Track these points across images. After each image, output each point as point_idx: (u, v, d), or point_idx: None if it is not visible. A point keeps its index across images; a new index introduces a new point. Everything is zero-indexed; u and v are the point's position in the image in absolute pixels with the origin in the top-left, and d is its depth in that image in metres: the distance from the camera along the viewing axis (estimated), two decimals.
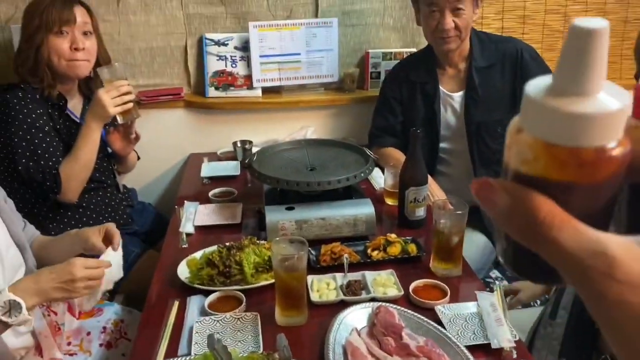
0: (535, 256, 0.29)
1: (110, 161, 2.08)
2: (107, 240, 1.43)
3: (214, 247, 1.48)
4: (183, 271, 1.43)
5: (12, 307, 1.16)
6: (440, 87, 2.08)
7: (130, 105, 1.83)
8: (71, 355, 1.46)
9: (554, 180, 0.28)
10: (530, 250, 0.29)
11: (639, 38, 1.27)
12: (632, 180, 0.31)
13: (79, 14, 1.86)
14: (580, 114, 0.27)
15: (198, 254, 1.49)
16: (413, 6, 2.08)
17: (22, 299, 1.17)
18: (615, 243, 0.26)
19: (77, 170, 1.80)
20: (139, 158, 2.28)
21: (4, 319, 1.15)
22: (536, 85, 0.30)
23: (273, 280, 1.32)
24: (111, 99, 1.76)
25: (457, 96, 2.07)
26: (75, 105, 1.97)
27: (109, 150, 2.07)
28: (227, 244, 1.46)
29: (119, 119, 1.86)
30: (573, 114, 0.27)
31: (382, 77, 2.46)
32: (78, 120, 1.94)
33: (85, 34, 1.88)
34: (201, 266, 1.42)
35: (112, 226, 1.45)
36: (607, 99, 0.28)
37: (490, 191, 0.30)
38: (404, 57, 2.43)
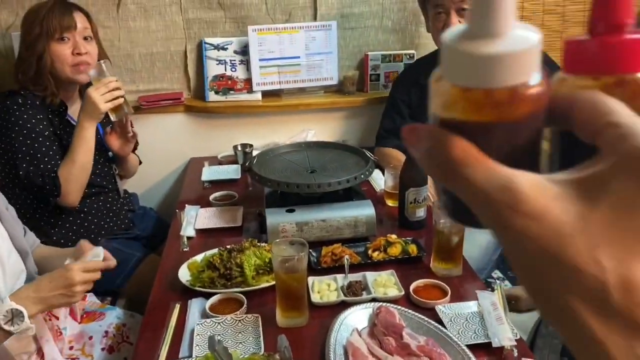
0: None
1: (111, 166, 2.09)
2: None
3: (215, 250, 1.48)
4: (184, 274, 1.44)
5: (15, 316, 1.17)
6: None
7: (121, 100, 1.82)
8: (73, 359, 1.47)
9: (472, 123, 0.29)
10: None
11: None
12: (561, 128, 0.31)
13: (79, 19, 1.88)
14: (490, 55, 0.28)
15: (199, 257, 1.49)
16: (422, 13, 2.13)
17: (24, 307, 1.18)
18: (524, 178, 0.27)
19: (75, 172, 1.80)
20: (140, 162, 2.28)
21: (6, 327, 1.17)
22: (452, 33, 0.30)
23: (274, 282, 1.32)
24: (101, 96, 1.76)
25: None
26: (75, 110, 1.97)
27: (110, 154, 2.07)
28: (228, 246, 1.46)
29: (112, 117, 1.86)
30: (483, 56, 0.28)
31: (382, 79, 2.47)
32: None
33: (85, 39, 1.89)
34: (202, 269, 1.42)
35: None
36: (517, 38, 0.28)
37: (416, 134, 0.31)
38: (402, 59, 2.45)
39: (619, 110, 0.28)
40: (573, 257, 0.25)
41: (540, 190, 0.26)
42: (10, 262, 1.39)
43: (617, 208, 0.25)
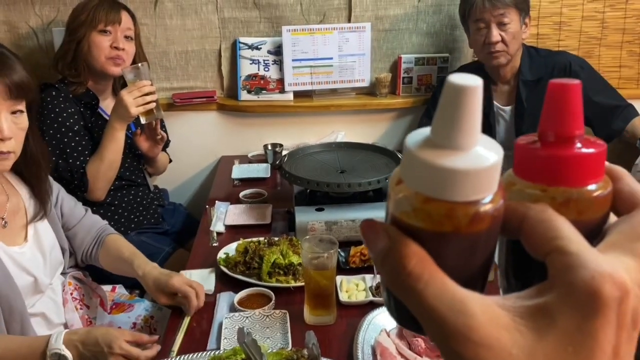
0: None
1: (140, 161, 2.12)
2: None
3: (262, 237, 1.53)
4: (228, 250, 1.51)
5: (60, 358, 1.19)
6: (494, 101, 2.17)
7: (152, 105, 1.84)
8: None
9: (429, 231, 0.29)
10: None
11: None
12: (510, 236, 0.32)
13: (125, 18, 1.94)
14: (455, 169, 0.28)
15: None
16: (464, 28, 2.18)
17: (70, 353, 1.19)
18: (477, 303, 0.27)
19: (102, 169, 1.84)
20: (170, 161, 2.31)
21: None
22: (416, 136, 0.30)
23: (287, 285, 1.36)
24: (133, 99, 1.78)
25: (508, 110, 2.16)
26: (108, 104, 2.01)
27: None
28: (266, 238, 1.50)
29: (142, 119, 1.89)
30: (448, 169, 0.28)
31: (415, 82, 2.45)
32: None
33: (126, 37, 1.93)
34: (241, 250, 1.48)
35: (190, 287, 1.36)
36: (481, 153, 0.29)
37: (374, 231, 0.31)
38: (436, 62, 2.43)
39: (568, 235, 0.28)
40: None
41: (492, 318, 0.26)
42: (53, 256, 1.42)
43: (562, 343, 0.26)
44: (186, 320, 1.27)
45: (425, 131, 0.30)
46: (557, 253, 0.28)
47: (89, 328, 1.27)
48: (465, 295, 0.27)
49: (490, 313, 0.27)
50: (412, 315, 0.29)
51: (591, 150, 0.32)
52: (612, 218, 0.33)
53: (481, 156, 0.29)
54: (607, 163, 0.33)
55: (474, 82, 0.28)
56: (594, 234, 0.32)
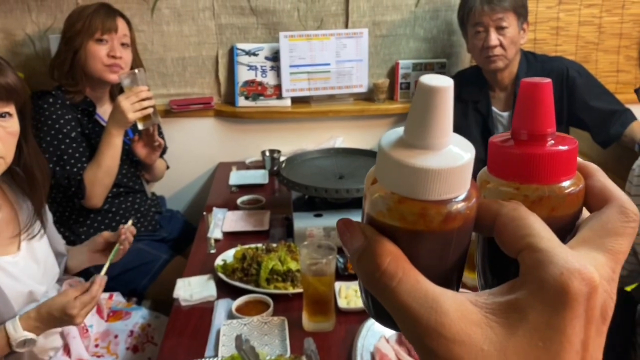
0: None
1: (137, 167, 2.11)
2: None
3: (260, 244, 1.52)
4: (225, 257, 1.50)
5: (27, 342, 1.23)
6: (492, 107, 2.17)
7: (150, 110, 1.83)
8: (98, 357, 1.47)
9: (403, 230, 0.29)
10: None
11: None
12: (485, 234, 0.32)
13: (121, 25, 1.93)
14: (427, 169, 0.28)
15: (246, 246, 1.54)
16: (463, 35, 2.18)
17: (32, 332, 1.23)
18: (449, 300, 0.28)
19: (100, 176, 1.83)
20: (167, 167, 2.30)
21: (19, 350, 1.22)
22: (390, 136, 0.31)
23: (286, 291, 1.35)
24: (130, 105, 1.77)
25: (506, 115, 2.17)
26: (105, 110, 2.00)
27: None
28: (264, 244, 1.49)
29: (139, 125, 1.88)
30: (420, 169, 0.28)
31: (412, 87, 2.45)
32: None
33: (123, 44, 1.93)
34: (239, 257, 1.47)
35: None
36: (453, 153, 0.29)
37: (350, 231, 0.31)
38: (434, 67, 2.43)
39: (539, 232, 0.29)
40: None
41: (464, 315, 0.27)
42: (48, 263, 1.41)
43: (532, 338, 0.27)
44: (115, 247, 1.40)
45: (399, 131, 0.31)
46: (528, 250, 0.28)
47: (38, 306, 1.27)
48: (438, 292, 0.28)
49: (462, 310, 0.27)
50: (389, 313, 0.29)
51: (563, 147, 0.32)
52: (586, 214, 0.34)
53: (453, 156, 0.29)
54: (579, 159, 0.34)
55: (444, 83, 0.28)
56: (567, 230, 0.33)
